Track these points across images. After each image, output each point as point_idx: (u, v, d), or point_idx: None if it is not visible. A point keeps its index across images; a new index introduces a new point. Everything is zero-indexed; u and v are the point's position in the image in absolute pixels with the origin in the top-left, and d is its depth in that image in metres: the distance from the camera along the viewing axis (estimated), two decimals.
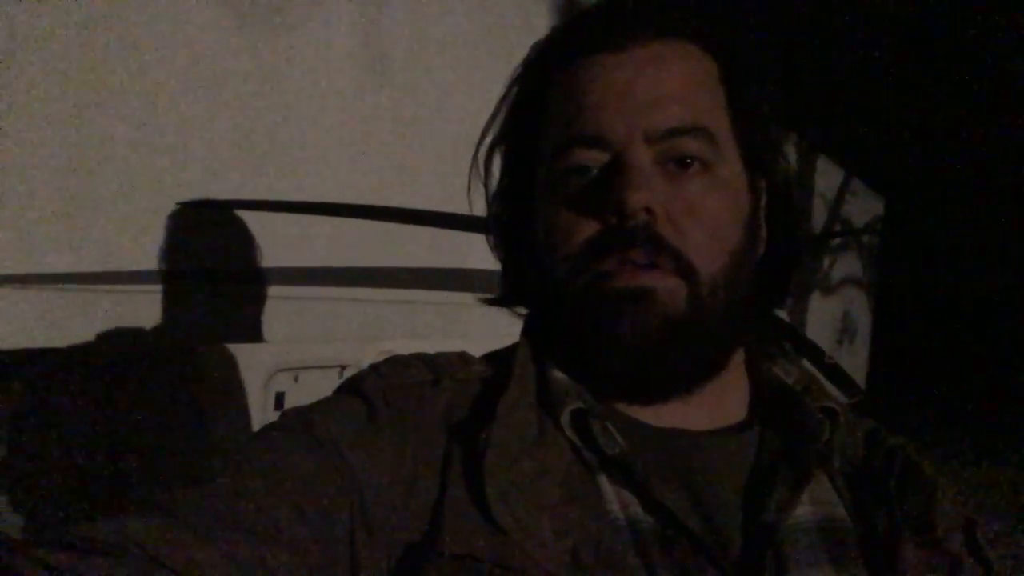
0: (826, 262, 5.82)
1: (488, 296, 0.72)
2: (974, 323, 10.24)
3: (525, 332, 0.66)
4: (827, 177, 5.56)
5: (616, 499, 0.56)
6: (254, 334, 1.51)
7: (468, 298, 1.85)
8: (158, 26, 1.30)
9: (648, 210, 0.56)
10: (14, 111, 1.13)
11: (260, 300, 1.50)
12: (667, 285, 0.57)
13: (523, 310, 0.70)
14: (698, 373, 0.61)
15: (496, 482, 0.53)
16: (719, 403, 0.63)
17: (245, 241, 1.44)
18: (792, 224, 0.66)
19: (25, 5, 1.12)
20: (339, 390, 0.63)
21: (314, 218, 1.59)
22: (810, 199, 5.18)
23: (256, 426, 1.53)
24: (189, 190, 1.35)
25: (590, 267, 0.58)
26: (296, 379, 1.63)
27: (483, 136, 0.69)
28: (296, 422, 0.57)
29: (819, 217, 5.51)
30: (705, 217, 0.58)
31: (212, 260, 1.42)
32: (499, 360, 0.65)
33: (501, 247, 0.70)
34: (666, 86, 0.59)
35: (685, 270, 0.57)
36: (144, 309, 1.30)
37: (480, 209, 0.71)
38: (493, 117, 0.69)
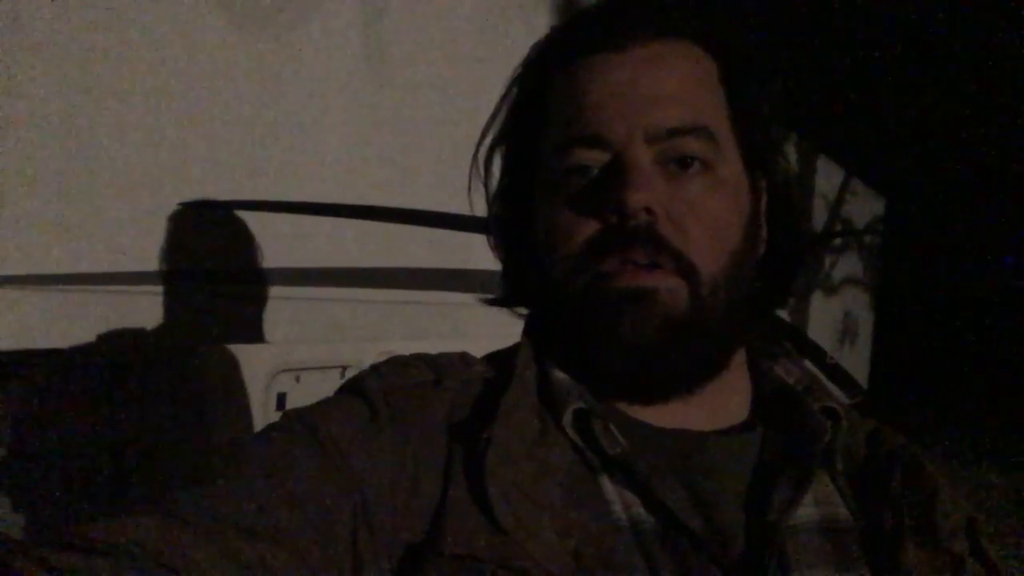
0: (827, 262, 5.82)
1: (489, 296, 0.71)
2: (975, 323, 10.24)
3: (526, 332, 0.66)
4: (827, 177, 5.57)
5: (618, 499, 0.55)
6: (255, 335, 1.50)
7: (469, 298, 1.85)
8: (158, 26, 1.30)
9: (649, 210, 0.56)
10: (14, 111, 1.13)
11: (261, 300, 1.49)
12: (668, 285, 0.56)
13: (524, 310, 0.70)
14: (699, 373, 0.61)
15: (498, 482, 0.53)
16: (721, 403, 0.63)
17: (246, 241, 1.44)
18: (793, 224, 0.66)
19: (26, 5, 1.12)
20: (340, 391, 0.63)
21: (314, 218, 1.59)
22: (810, 199, 5.19)
23: (257, 427, 1.53)
24: (189, 190, 1.36)
25: (591, 267, 0.58)
26: (297, 380, 1.63)
27: (483, 136, 0.69)
28: (297, 423, 0.57)
29: (820, 217, 5.51)
30: (706, 217, 0.58)
31: (213, 260, 1.42)
32: (500, 360, 0.65)
33: (501, 247, 0.70)
34: (666, 86, 0.58)
35: (686, 270, 0.57)
36: (145, 309, 1.30)
37: (480, 209, 0.71)
38: (493, 117, 0.69)
